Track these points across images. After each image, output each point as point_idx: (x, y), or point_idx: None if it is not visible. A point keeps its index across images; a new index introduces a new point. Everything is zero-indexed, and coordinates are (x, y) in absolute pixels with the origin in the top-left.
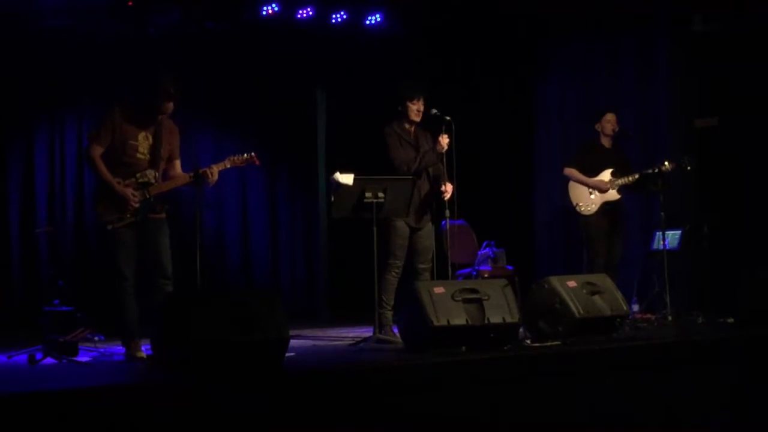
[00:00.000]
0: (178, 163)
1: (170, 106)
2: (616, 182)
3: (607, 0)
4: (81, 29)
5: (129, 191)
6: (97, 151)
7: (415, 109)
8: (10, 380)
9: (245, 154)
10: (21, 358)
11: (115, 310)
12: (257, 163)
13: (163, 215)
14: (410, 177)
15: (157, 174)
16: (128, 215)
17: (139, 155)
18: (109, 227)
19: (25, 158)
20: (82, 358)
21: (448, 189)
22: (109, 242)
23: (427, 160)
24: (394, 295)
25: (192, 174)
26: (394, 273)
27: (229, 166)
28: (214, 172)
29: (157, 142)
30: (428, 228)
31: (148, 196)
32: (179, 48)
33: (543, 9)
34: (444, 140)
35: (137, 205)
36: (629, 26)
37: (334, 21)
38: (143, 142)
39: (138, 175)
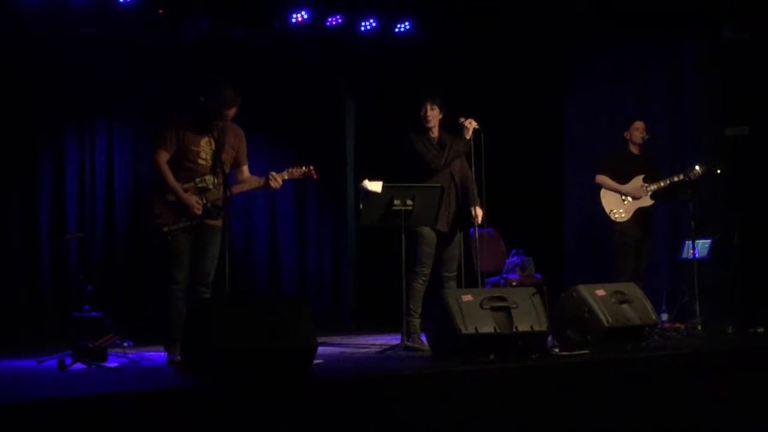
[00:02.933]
0: (246, 168)
1: (231, 113)
2: (649, 188)
3: (636, 8)
4: (112, 36)
5: (194, 199)
6: (164, 156)
7: (421, 115)
8: (39, 385)
9: (304, 167)
10: (51, 363)
11: (161, 312)
12: (315, 177)
13: (220, 222)
14: (439, 185)
15: (216, 180)
16: (185, 219)
17: (200, 161)
18: (165, 229)
19: (55, 164)
20: (111, 364)
21: (478, 214)
22: (163, 244)
23: (455, 149)
24: (421, 302)
25: (264, 179)
26: (421, 281)
27: (287, 177)
28: (278, 179)
29: (219, 147)
30: (457, 236)
31: (205, 202)
32: (208, 55)
33: (572, 17)
34: (469, 123)
35: (199, 213)
36: (659, 34)
37: (363, 29)
38: (206, 147)
39: (197, 180)
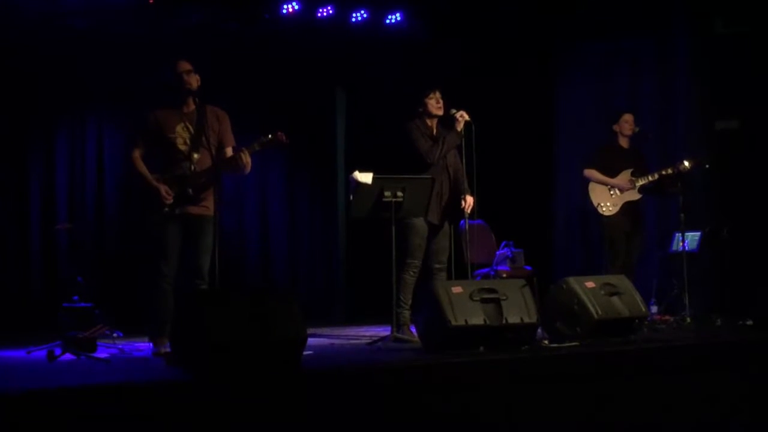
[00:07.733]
0: (230, 150)
1: (192, 80)
2: (637, 182)
3: (627, 2)
4: (102, 29)
5: (163, 187)
6: (137, 153)
7: (434, 102)
8: (28, 376)
9: (270, 135)
10: (40, 353)
11: (148, 304)
12: (285, 140)
13: (211, 212)
14: (429, 177)
15: (193, 166)
16: (165, 209)
17: (181, 147)
18: (166, 209)
19: (45, 156)
20: (101, 355)
21: (468, 202)
22: (153, 238)
23: (449, 142)
24: (411, 294)
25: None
26: (411, 272)
27: (258, 148)
28: (247, 156)
29: (198, 132)
30: (446, 228)
31: (184, 189)
32: (199, 48)
33: (564, 10)
34: (461, 116)
35: (171, 200)
36: (650, 28)
37: (354, 20)
38: (182, 133)
39: (173, 168)
